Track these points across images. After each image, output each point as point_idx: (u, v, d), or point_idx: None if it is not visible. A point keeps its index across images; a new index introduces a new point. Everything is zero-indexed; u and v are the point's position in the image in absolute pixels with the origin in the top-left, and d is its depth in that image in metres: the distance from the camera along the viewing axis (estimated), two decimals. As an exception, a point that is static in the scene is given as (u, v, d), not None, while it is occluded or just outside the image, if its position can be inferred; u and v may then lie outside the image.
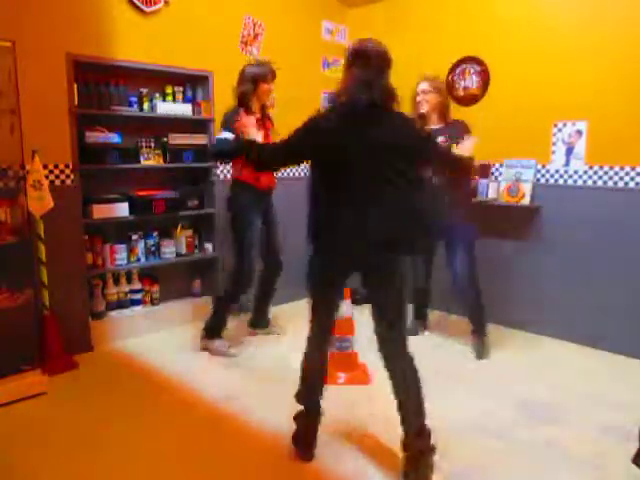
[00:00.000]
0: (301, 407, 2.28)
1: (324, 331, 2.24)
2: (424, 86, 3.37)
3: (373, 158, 1.99)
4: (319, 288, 2.20)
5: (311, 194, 2.13)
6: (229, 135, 2.55)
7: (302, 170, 4.48)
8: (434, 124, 3.37)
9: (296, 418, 2.29)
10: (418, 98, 3.37)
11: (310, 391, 2.26)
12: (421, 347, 3.53)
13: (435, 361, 3.30)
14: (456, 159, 2.52)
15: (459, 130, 3.21)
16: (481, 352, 3.34)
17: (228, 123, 3.04)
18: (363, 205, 2.00)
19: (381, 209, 1.99)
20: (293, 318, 3.90)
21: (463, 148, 2.62)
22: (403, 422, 2.10)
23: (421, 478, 2.06)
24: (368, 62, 2.06)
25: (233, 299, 3.40)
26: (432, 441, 2.10)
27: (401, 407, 2.11)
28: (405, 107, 2.32)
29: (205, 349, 3.38)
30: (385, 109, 2.06)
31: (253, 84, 3.23)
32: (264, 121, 3.35)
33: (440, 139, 3.15)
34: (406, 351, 2.12)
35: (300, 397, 2.28)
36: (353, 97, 2.03)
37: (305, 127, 2.06)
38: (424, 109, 3.36)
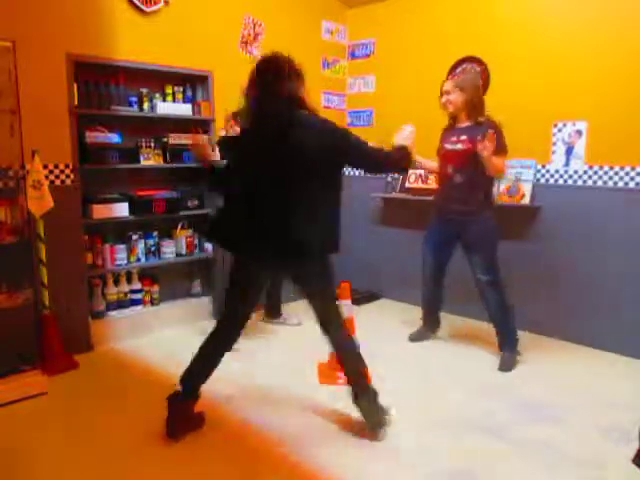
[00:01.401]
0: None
1: None
2: (447, 86, 3.20)
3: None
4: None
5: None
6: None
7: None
8: (462, 123, 3.20)
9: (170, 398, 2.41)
10: (442, 99, 3.23)
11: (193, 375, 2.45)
12: (423, 349, 3.55)
13: (436, 362, 3.31)
14: (377, 154, 2.37)
15: (483, 130, 3.00)
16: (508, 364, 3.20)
17: None
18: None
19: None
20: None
21: (398, 138, 2.42)
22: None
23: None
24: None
25: None
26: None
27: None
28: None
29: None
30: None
31: None
32: None
33: (462, 138, 3.11)
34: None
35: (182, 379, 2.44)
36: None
37: None
38: (450, 109, 3.20)
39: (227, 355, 3.24)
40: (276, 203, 2.20)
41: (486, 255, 3.20)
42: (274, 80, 2.25)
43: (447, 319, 3.87)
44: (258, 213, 2.23)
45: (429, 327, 3.67)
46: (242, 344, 3.52)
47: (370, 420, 2.42)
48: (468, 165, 3.10)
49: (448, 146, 3.22)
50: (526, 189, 3.68)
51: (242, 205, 2.26)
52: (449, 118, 3.28)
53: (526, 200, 3.68)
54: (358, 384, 2.45)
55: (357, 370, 2.46)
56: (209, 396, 2.80)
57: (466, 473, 2.17)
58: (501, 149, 3.03)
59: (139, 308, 3.72)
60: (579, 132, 3.49)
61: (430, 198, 3.84)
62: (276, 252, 2.23)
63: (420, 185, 4.24)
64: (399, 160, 2.36)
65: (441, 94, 3.25)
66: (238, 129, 2.70)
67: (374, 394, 2.44)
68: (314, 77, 4.52)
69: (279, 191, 2.19)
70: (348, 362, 2.47)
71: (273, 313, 3.96)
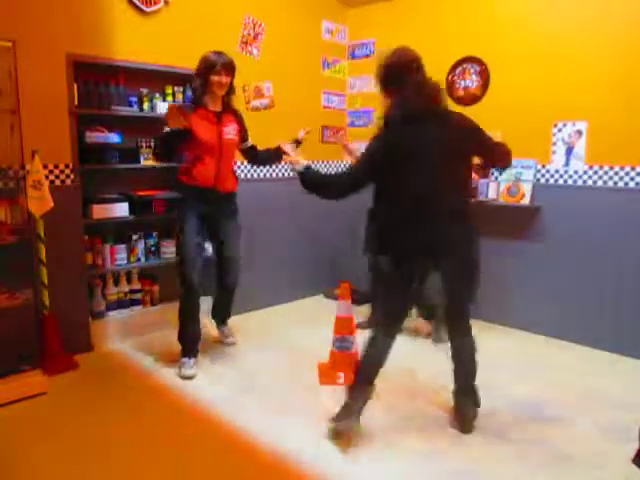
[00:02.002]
0: None
1: None
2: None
3: None
4: None
5: None
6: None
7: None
8: None
9: None
10: None
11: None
12: (420, 349, 3.55)
13: (435, 362, 3.31)
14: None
15: None
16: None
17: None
18: None
19: None
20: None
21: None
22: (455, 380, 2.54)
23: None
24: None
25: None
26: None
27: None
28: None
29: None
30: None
31: (203, 76, 2.95)
32: (222, 117, 3.05)
33: None
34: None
35: None
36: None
37: None
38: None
39: (226, 358, 3.25)
40: (445, 191, 2.27)
41: None
42: (417, 73, 2.32)
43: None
44: (428, 205, 2.26)
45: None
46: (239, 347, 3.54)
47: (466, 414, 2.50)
48: None
49: None
50: (526, 189, 3.68)
51: (410, 204, 2.28)
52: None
53: (526, 200, 3.68)
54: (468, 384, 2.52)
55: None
56: (209, 397, 2.80)
57: (466, 473, 2.17)
58: None
59: (139, 308, 3.72)
60: (579, 132, 3.49)
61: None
62: (446, 241, 2.29)
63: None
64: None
65: None
66: (186, 123, 2.76)
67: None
68: (314, 77, 4.55)
69: (447, 179, 2.28)
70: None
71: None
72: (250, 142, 3.33)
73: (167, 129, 2.84)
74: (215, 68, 2.92)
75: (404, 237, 2.32)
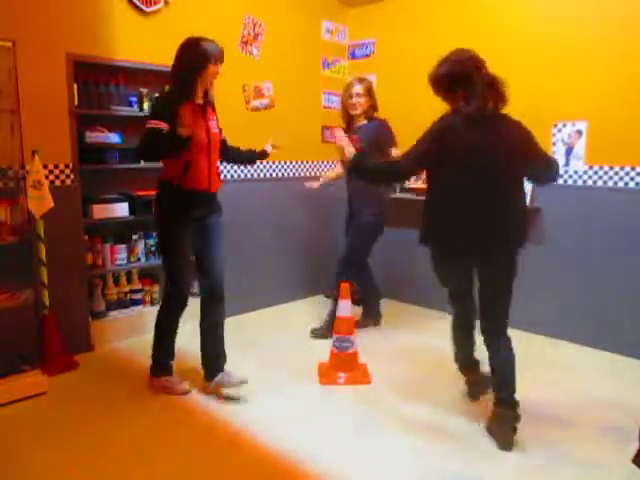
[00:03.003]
0: None
1: None
2: (358, 89, 3.46)
3: None
4: None
5: None
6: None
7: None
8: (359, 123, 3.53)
9: None
10: (352, 100, 3.47)
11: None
12: (420, 346, 3.54)
13: (434, 360, 3.31)
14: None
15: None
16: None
17: (166, 112, 2.53)
18: None
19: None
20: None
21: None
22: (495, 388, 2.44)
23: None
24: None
25: None
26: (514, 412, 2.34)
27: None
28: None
29: None
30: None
31: (198, 67, 2.63)
32: (206, 110, 2.74)
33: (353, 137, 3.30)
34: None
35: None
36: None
37: None
38: (357, 111, 3.48)
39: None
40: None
41: (347, 246, 3.61)
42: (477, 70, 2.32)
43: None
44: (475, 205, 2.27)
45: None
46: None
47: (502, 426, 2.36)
48: None
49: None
50: (526, 189, 3.66)
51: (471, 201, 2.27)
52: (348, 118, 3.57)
53: (526, 200, 3.67)
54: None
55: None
56: (207, 400, 2.80)
57: (466, 473, 2.17)
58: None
59: (139, 308, 3.72)
60: (579, 132, 3.49)
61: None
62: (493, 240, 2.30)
63: (420, 185, 4.23)
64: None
65: (350, 96, 3.49)
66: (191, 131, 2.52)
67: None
68: (314, 77, 4.55)
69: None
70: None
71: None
72: (223, 136, 2.91)
73: (160, 127, 2.50)
74: (214, 57, 2.64)
75: (457, 233, 2.31)
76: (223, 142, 2.89)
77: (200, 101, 2.72)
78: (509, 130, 2.30)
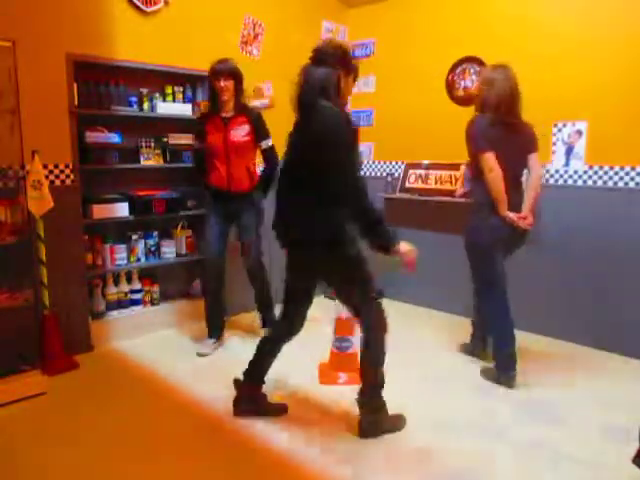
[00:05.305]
0: None
1: None
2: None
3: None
4: None
5: None
6: None
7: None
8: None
9: None
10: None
11: None
12: (423, 349, 3.54)
13: (436, 361, 3.31)
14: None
15: None
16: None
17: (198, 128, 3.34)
18: None
19: None
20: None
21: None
22: None
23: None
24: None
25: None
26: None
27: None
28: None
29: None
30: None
31: (210, 84, 3.27)
32: (231, 120, 3.25)
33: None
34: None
35: None
36: None
37: None
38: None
39: (224, 359, 3.22)
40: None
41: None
42: (311, 66, 2.36)
43: (450, 319, 3.86)
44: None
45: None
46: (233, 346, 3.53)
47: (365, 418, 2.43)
48: None
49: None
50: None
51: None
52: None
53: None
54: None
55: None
56: (209, 397, 2.81)
57: (466, 473, 2.17)
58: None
59: (139, 308, 3.72)
60: (579, 132, 3.49)
61: (431, 198, 3.83)
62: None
63: (420, 185, 4.23)
64: (384, 229, 2.29)
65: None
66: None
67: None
68: (314, 77, 4.54)
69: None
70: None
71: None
72: (266, 144, 3.37)
73: (194, 146, 3.42)
74: (215, 74, 3.18)
75: None
76: (264, 151, 3.39)
77: (227, 114, 3.25)
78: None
